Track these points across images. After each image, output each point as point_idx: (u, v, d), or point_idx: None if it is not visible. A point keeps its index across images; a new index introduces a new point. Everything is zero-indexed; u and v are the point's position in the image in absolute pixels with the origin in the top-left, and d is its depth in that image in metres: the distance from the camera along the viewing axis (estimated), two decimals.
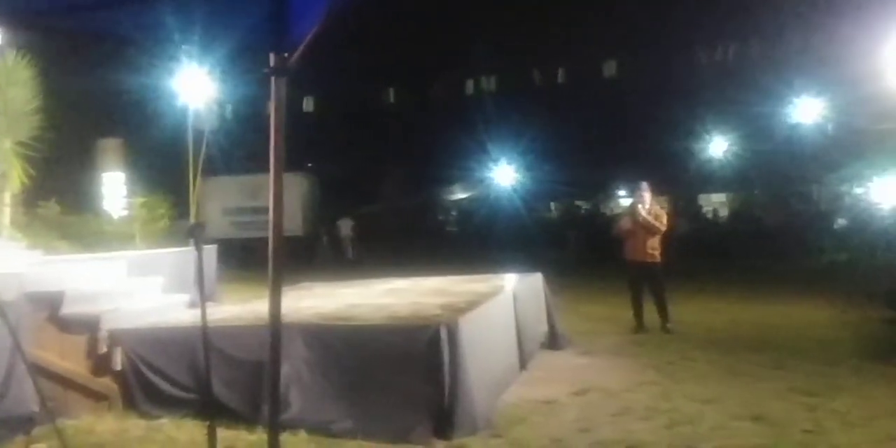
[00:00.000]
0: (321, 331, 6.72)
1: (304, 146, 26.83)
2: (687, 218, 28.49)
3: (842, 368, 8.40)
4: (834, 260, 19.26)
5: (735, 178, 33.11)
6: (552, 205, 37.30)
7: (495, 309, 8.01)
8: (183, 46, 3.85)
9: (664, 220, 11.06)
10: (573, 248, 26.12)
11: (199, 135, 12.65)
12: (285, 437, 5.82)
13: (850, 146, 16.01)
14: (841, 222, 22.12)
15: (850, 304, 12.01)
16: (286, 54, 3.62)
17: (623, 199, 34.21)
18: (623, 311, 11.45)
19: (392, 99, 26.77)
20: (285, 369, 6.27)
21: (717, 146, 33.57)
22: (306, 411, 6.38)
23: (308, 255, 25.46)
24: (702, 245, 23.77)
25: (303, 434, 6.16)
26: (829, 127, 25.24)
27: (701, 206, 33.27)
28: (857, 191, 20.60)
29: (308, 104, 26.04)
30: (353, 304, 8.06)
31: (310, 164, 30.68)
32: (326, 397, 6.46)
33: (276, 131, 3.59)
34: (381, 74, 29.66)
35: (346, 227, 28.48)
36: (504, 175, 32.64)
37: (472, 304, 7.50)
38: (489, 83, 25.43)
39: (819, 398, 7.16)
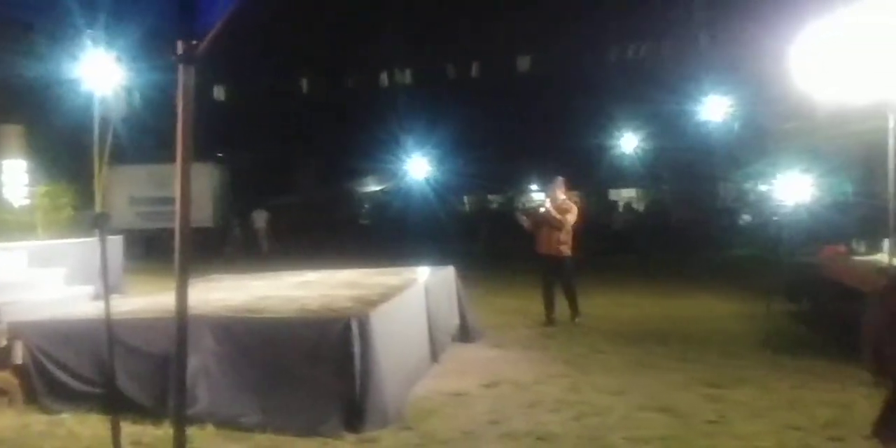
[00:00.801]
0: (230, 323, 6.61)
1: (215, 136, 26.38)
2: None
3: (745, 360, 8.63)
4: (738, 255, 19.82)
5: (645, 174, 33.73)
6: (465, 198, 37.44)
7: (407, 302, 7.99)
8: (88, 31, 3.74)
9: (572, 214, 11.14)
10: (485, 241, 26.27)
11: (105, 122, 12.32)
12: (193, 432, 5.72)
13: (755, 145, 16.48)
14: (745, 218, 22.84)
15: (753, 298, 12.37)
16: (195, 42, 3.53)
17: (536, 193, 34.55)
18: (534, 304, 11.55)
19: (305, 89, 26.50)
20: (193, 363, 6.14)
21: (628, 142, 34.12)
22: (214, 405, 6.27)
23: (218, 246, 25.07)
24: (612, 239, 24.16)
25: (211, 428, 6.05)
26: (736, 125, 25.86)
27: (615, 202, 33.77)
28: (762, 188, 21.26)
29: (219, 93, 25.60)
30: (263, 297, 7.95)
31: (220, 154, 30.16)
32: (235, 391, 6.36)
33: (184, 120, 3.50)
34: (295, 64, 29.36)
35: (260, 218, 28.08)
36: (418, 168, 32.63)
37: (383, 297, 7.47)
38: (403, 76, 25.37)
39: (723, 389, 7.35)
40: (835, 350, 8.56)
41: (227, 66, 22.70)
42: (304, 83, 26.26)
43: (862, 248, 9.89)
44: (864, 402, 6.51)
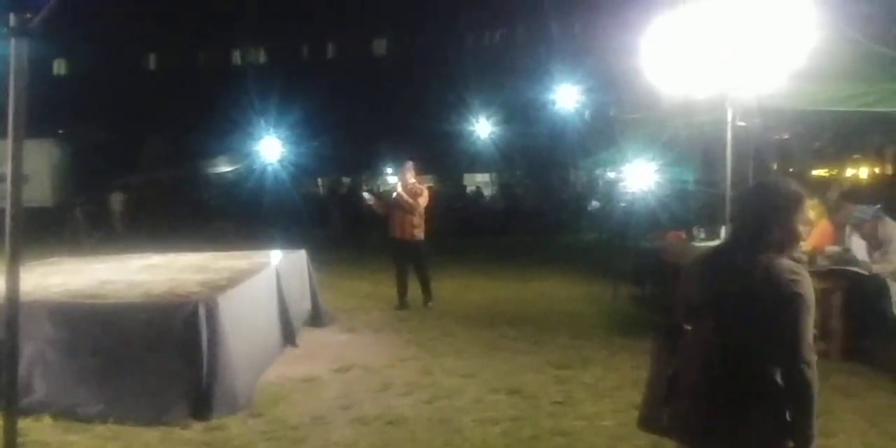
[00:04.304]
0: (69, 309, 6.34)
1: (58, 112, 25.18)
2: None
3: (592, 342, 8.85)
4: (587, 240, 20.35)
5: (499, 159, 34.14)
6: (319, 181, 37.02)
7: (257, 286, 7.85)
8: None
9: (423, 198, 11.19)
10: (338, 224, 26.09)
11: None
12: (28, 423, 5.49)
13: (604, 133, 16.90)
14: (594, 205, 23.46)
15: (600, 282, 12.74)
16: (29, 15, 3.34)
17: (390, 177, 34.46)
18: (386, 288, 11.55)
19: (154, 66, 25.57)
20: (28, 351, 5.90)
21: (483, 128, 34.47)
22: (52, 395, 6.03)
23: (59, 228, 23.93)
24: (465, 223, 24.36)
25: (48, 419, 5.82)
26: (587, 114, 26.47)
27: (465, 186, 34.06)
28: (610, 175, 21.85)
29: (61, 67, 24.41)
30: (106, 281, 7.65)
31: (61, 131, 28.78)
32: (75, 380, 6.12)
33: (17, 96, 3.32)
34: (143, 39, 28.31)
35: (116, 201, 26.97)
36: (271, 149, 31.98)
37: (232, 281, 7.32)
38: (257, 55, 24.84)
39: (570, 371, 7.54)
40: None
41: (72, 40, 21.66)
42: (153, 59, 25.32)
43: (702, 235, 10.29)
44: None
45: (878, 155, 14.12)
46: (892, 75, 7.67)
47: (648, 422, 3.32)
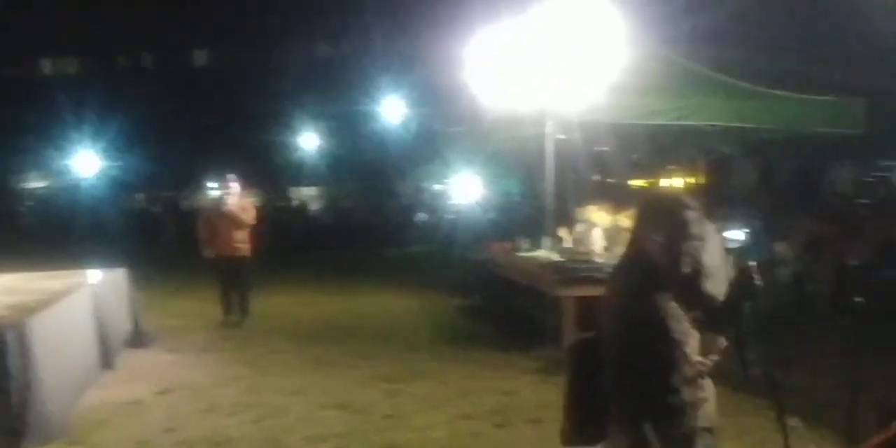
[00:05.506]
0: None
1: None
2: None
3: (422, 354, 8.91)
4: (415, 252, 20.51)
5: (327, 172, 33.99)
6: (139, 196, 35.84)
7: (71, 307, 7.48)
8: None
9: (252, 213, 11.00)
10: (161, 241, 25.32)
11: None
12: None
13: (429, 146, 17.09)
14: (421, 216, 23.66)
15: (429, 294, 12.85)
16: None
17: (213, 192, 33.61)
18: (212, 306, 11.25)
19: None
20: None
21: (310, 141, 34.23)
22: None
23: None
24: (291, 237, 24.06)
25: None
26: (413, 127, 26.75)
27: (291, 199, 33.75)
28: (436, 188, 22.12)
29: None
30: None
31: None
32: None
33: None
34: None
35: None
36: (86, 164, 30.74)
37: (44, 303, 6.93)
38: (68, 65, 23.83)
39: (401, 384, 7.56)
40: (502, 341, 9.07)
41: None
42: None
43: (526, 245, 10.53)
44: (527, 389, 7.02)
45: (691, 165, 14.83)
46: (703, 90, 8.10)
47: None
